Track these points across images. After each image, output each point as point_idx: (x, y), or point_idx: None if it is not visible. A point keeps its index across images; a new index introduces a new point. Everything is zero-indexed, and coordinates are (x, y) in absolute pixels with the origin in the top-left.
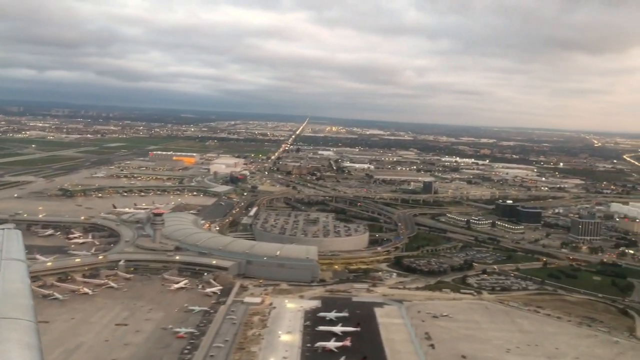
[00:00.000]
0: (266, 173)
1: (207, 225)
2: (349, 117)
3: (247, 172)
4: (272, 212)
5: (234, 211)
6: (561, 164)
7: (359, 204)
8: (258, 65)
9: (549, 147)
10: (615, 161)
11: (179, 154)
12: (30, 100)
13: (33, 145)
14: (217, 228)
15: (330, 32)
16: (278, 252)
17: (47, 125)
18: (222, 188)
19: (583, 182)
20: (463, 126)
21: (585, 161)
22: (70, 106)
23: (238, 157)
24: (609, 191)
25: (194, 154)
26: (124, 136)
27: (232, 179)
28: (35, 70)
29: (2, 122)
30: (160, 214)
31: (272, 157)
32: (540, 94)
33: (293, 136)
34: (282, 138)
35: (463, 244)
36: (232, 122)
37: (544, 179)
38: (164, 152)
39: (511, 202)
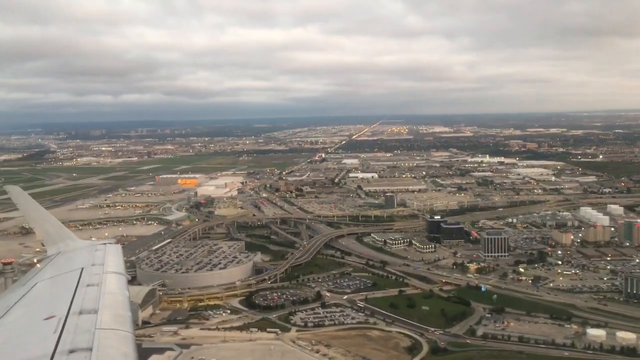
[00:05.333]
0: (251, 193)
1: None
2: (421, 113)
3: (229, 193)
4: (188, 243)
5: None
6: (601, 156)
7: (293, 224)
8: (303, 76)
9: (617, 135)
10: None
11: (185, 176)
12: (114, 121)
13: (62, 175)
14: None
15: (348, 40)
16: None
17: (109, 149)
18: (176, 215)
19: (596, 179)
20: (545, 113)
21: (638, 150)
22: (154, 124)
23: (252, 173)
24: (609, 190)
25: (197, 176)
26: (170, 156)
27: (196, 204)
28: (111, 95)
29: (70, 147)
30: (9, 263)
31: (284, 172)
32: (614, 76)
33: (344, 142)
34: (330, 145)
35: (352, 270)
36: (297, 130)
37: (553, 178)
38: (170, 176)
39: (439, 217)
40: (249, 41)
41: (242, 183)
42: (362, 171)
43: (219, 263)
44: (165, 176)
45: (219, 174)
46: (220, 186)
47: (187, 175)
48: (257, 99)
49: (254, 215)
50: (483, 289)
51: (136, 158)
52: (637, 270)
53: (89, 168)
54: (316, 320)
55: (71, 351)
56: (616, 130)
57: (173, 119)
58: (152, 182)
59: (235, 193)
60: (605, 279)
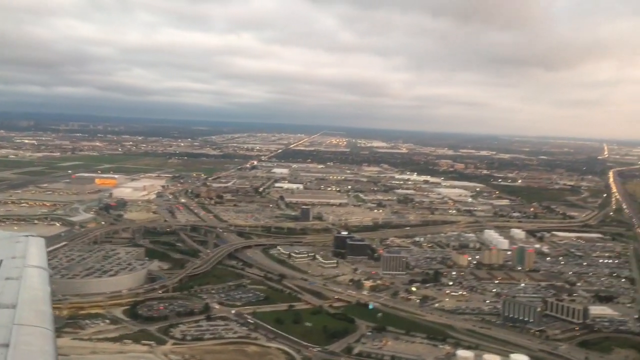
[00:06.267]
0: (170, 197)
1: None
2: (363, 127)
3: (146, 197)
4: (85, 247)
5: None
6: (519, 180)
7: (204, 232)
8: (243, 81)
9: (540, 161)
10: (590, 177)
11: (103, 176)
12: (44, 113)
13: None
14: None
15: (284, 50)
16: None
17: (33, 142)
18: (81, 217)
19: (509, 203)
20: (480, 135)
21: (555, 177)
22: (88, 119)
23: (177, 177)
24: (518, 214)
25: (116, 176)
26: (96, 153)
27: (105, 206)
28: (41, 86)
29: None
30: None
31: (210, 178)
32: (542, 105)
33: (280, 151)
34: (266, 153)
35: (249, 282)
36: (236, 135)
37: (470, 200)
38: (88, 175)
39: (346, 233)
40: (184, 42)
41: (163, 186)
42: (290, 182)
43: (110, 270)
44: (82, 175)
45: (142, 176)
46: (138, 188)
47: (105, 175)
48: (198, 101)
49: (165, 220)
50: (370, 307)
51: (59, 153)
52: (521, 295)
53: (5, 161)
54: (197, 333)
55: None
56: (540, 157)
57: (110, 114)
58: (67, 180)
59: (153, 197)
60: (487, 301)
